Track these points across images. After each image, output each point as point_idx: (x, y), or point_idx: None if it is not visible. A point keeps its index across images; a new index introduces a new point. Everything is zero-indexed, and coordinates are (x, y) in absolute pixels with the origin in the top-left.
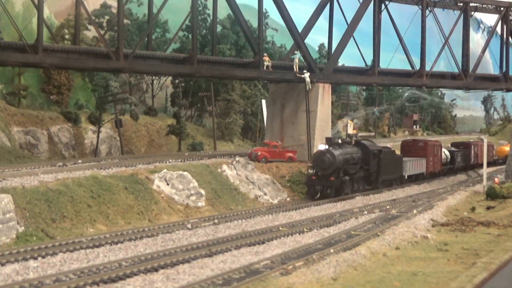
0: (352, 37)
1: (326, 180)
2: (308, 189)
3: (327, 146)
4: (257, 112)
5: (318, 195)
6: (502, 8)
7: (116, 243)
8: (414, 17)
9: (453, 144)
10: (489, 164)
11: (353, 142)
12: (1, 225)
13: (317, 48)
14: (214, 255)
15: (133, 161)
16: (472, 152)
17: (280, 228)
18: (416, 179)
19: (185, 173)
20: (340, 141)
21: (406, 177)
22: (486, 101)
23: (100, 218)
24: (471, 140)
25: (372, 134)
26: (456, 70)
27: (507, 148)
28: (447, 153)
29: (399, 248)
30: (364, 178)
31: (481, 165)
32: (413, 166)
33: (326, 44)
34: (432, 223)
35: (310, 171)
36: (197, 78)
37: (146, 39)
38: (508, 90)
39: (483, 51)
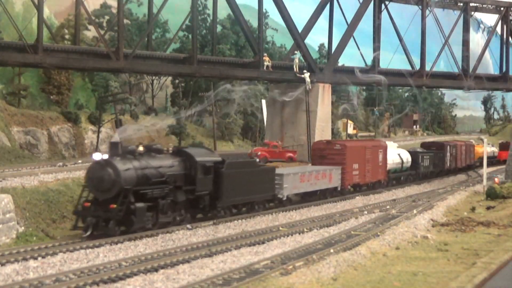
0: (352, 37)
1: (105, 208)
2: (77, 221)
3: (106, 156)
4: (257, 112)
5: (89, 231)
6: (502, 8)
7: (116, 243)
8: (414, 17)
9: (423, 145)
10: (462, 170)
11: (170, 150)
12: (1, 225)
13: (317, 48)
14: (214, 255)
15: None
16: (448, 154)
17: (280, 228)
18: (323, 196)
19: None
20: (141, 148)
21: (285, 197)
22: (486, 101)
23: None
24: (447, 141)
25: (372, 134)
26: (456, 70)
27: (480, 149)
28: (404, 155)
29: (399, 248)
30: (187, 204)
31: (460, 170)
32: (305, 180)
33: (326, 44)
34: (432, 223)
35: (85, 194)
36: (197, 78)
37: (146, 39)
38: (508, 90)
39: (483, 51)
